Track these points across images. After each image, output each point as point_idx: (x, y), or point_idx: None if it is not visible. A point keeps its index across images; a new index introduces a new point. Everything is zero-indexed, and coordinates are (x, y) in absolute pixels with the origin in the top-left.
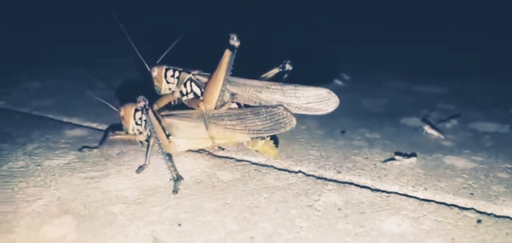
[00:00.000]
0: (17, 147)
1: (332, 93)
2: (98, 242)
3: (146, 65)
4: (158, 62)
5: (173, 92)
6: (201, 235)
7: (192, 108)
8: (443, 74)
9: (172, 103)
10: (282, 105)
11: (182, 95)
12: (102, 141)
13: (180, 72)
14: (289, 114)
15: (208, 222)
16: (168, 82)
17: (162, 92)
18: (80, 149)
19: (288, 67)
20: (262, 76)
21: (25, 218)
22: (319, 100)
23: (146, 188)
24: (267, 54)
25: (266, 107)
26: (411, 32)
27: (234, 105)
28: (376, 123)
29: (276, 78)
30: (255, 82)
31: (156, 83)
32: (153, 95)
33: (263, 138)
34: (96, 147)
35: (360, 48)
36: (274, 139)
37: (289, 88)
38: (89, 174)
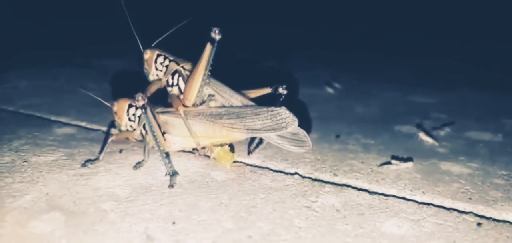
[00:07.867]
0: (2, 143)
1: (308, 137)
2: (88, 238)
3: (140, 46)
4: (153, 45)
5: (161, 79)
6: (197, 233)
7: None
8: (435, 85)
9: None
10: (284, 107)
11: (168, 85)
12: (103, 148)
13: (170, 61)
14: (291, 114)
15: (204, 221)
16: (156, 69)
17: (150, 77)
18: (85, 162)
19: (282, 91)
20: (251, 92)
21: (11, 213)
22: (294, 138)
23: (138, 186)
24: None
25: (268, 107)
26: (401, 44)
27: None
28: (370, 129)
29: (267, 98)
30: (239, 98)
31: (146, 65)
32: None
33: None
34: (97, 159)
35: (352, 58)
36: (231, 146)
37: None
38: (78, 171)
